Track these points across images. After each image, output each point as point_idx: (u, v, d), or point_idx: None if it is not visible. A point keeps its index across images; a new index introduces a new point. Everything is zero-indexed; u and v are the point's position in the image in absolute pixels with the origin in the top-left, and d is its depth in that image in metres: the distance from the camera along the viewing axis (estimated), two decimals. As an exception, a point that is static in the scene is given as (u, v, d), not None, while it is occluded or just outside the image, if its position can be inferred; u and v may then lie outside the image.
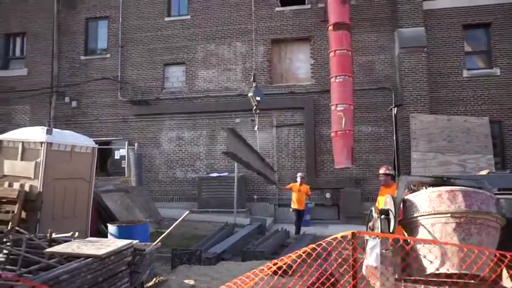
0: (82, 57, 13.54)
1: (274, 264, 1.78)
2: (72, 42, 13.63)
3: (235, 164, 10.71)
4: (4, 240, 4.00)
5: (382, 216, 3.57)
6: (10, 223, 5.22)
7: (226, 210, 10.36)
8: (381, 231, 3.69)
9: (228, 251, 6.21)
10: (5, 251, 3.84)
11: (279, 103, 11.91)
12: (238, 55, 12.40)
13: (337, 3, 10.82)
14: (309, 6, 12.12)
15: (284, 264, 1.85)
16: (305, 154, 11.63)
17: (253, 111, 9.21)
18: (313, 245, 1.78)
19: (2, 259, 3.79)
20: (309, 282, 2.70)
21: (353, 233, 1.82)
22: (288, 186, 9.23)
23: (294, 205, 8.97)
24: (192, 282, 4.42)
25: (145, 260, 4.01)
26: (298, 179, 9.04)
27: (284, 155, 11.87)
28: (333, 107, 10.71)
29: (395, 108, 8.19)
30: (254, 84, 9.50)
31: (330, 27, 10.89)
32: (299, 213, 8.97)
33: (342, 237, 1.84)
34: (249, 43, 12.35)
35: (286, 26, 12.19)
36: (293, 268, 3.31)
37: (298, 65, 12.35)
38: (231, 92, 12.34)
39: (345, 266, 1.93)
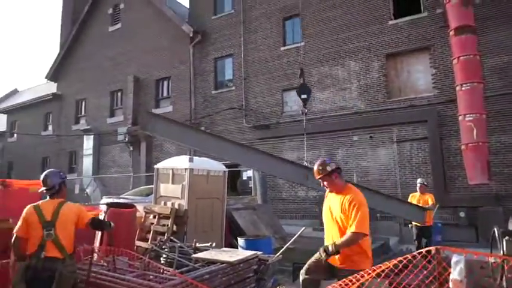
0: (213, 92, 15.63)
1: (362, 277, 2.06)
2: (205, 80, 15.89)
3: (355, 182, 10.76)
4: (163, 247, 5.15)
5: (506, 238, 3.39)
6: (166, 234, 6.55)
7: (347, 229, 10.41)
8: (504, 254, 3.48)
9: (348, 268, 6.37)
10: (164, 256, 4.95)
11: (399, 118, 11.53)
12: (352, 74, 12.55)
13: (458, 7, 10.07)
14: (425, 14, 11.57)
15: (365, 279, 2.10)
16: (431, 170, 10.90)
17: (301, 111, 8.89)
18: (401, 258, 2.01)
19: (163, 261, 4.89)
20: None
21: (437, 249, 1.98)
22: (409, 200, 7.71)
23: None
24: (311, 293, 4.81)
25: (269, 269, 4.62)
26: (418, 186, 7.63)
27: (407, 172, 11.33)
28: (460, 118, 9.86)
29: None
30: (301, 81, 9.11)
31: (452, 33, 10.17)
32: (422, 231, 7.34)
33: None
34: (362, 61, 12.40)
35: (402, 38, 11.85)
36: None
37: (418, 76, 11.78)
38: (347, 111, 12.51)
39: (431, 278, 2.09)
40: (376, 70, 12.19)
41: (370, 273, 2.14)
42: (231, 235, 8.54)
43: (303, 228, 4.91)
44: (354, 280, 2.13)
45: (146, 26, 17.86)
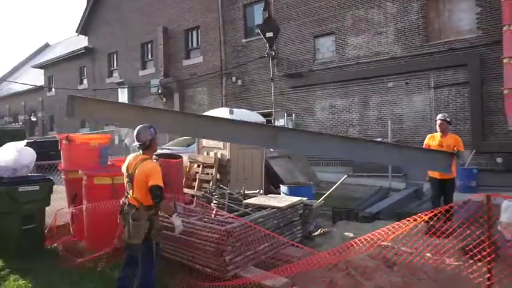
0: (243, 41, 15.41)
1: (414, 220, 2.29)
2: (234, 28, 15.62)
3: (389, 129, 10.78)
4: (213, 193, 5.60)
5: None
6: (211, 182, 7.04)
7: (380, 175, 10.63)
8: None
9: (383, 213, 6.69)
10: (214, 201, 5.40)
11: (437, 62, 11.12)
12: (389, 16, 11.97)
13: None
14: None
15: (422, 220, 2.33)
16: (469, 115, 10.67)
17: (266, 54, 6.70)
18: (447, 206, 2.20)
19: (214, 207, 5.36)
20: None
21: (488, 196, 2.15)
22: (425, 144, 5.92)
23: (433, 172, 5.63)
24: (351, 234, 5.19)
25: (312, 213, 4.99)
26: (438, 123, 5.76)
27: (444, 118, 11.15)
28: (505, 61, 9.44)
29: None
30: (265, 15, 6.74)
31: (502, -34, 9.38)
32: (441, 186, 5.62)
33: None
34: (400, 2, 11.74)
35: (445, -25, 11.02)
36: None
37: (460, 16, 11.09)
38: (382, 56, 12.13)
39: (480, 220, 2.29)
40: (415, 11, 11.55)
41: (414, 222, 2.35)
42: (268, 182, 9.00)
43: (345, 176, 5.18)
44: (396, 227, 2.36)
45: (172, -27, 17.37)
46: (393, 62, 11.93)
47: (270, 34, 6.80)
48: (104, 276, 4.04)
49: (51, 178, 5.16)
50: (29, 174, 5.05)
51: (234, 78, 15.60)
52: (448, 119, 5.82)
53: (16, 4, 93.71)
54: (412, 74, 11.57)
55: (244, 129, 3.81)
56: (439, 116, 5.91)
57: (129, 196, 3.47)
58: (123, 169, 3.58)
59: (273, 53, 6.69)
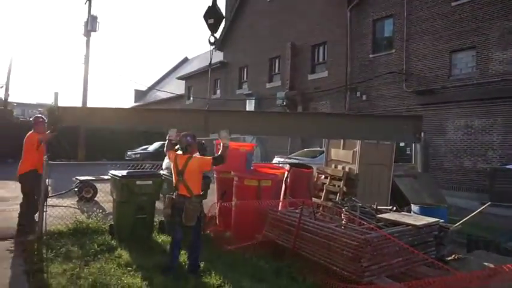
0: (370, 56, 15.36)
1: None
2: (362, 43, 15.67)
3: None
4: (344, 205, 5.94)
5: None
6: (338, 194, 7.38)
7: (527, 207, 9.41)
8: None
9: (532, 248, 6.03)
10: (345, 212, 5.74)
11: None
12: (548, 28, 10.56)
13: None
14: None
15: None
16: None
17: (208, 41, 6.12)
18: None
19: (343, 218, 5.70)
20: None
21: None
22: None
23: None
24: (491, 265, 4.91)
25: (448, 236, 4.92)
26: None
27: None
28: None
29: None
30: (211, 3, 6.02)
31: None
32: None
33: None
34: None
35: None
36: None
37: None
38: (536, 73, 10.75)
39: None
40: None
41: None
42: (393, 200, 8.88)
43: (488, 203, 4.94)
44: None
45: (303, -8, 18.37)
46: (551, 79, 10.46)
47: (211, 21, 6.55)
48: (252, 263, 4.75)
49: (209, 176, 6.22)
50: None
51: (358, 93, 15.63)
52: None
53: (162, 25, 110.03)
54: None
55: (178, 116, 4.57)
56: None
57: (178, 189, 4.34)
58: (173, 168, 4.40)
59: (213, 40, 6.37)
